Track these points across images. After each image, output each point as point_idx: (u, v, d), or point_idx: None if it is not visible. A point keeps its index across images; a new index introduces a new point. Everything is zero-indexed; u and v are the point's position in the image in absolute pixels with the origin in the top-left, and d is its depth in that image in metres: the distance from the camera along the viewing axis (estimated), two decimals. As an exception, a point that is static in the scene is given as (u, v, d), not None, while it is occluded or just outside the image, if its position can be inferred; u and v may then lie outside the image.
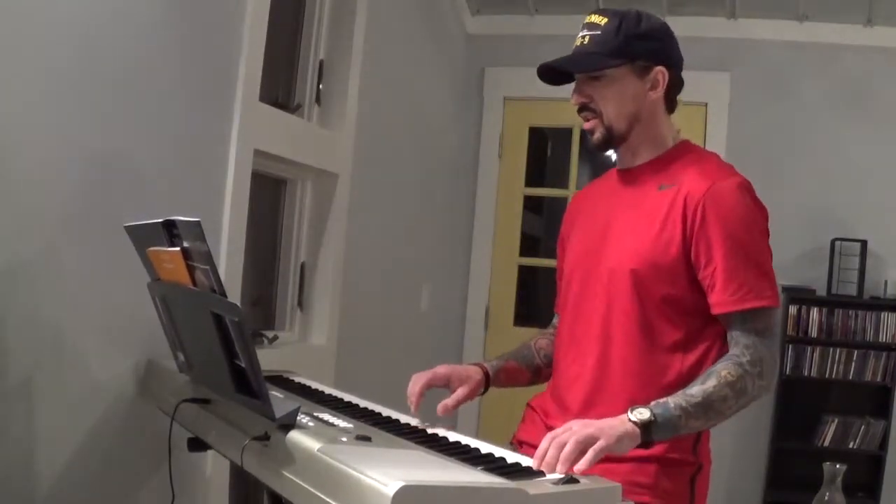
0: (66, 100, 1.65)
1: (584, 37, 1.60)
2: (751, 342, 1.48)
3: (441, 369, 1.65)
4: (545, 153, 5.04)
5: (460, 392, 1.64)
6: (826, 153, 3.88)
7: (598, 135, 1.62)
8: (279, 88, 2.75)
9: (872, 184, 3.82)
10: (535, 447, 1.30)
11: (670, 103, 1.65)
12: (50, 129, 1.61)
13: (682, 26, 3.78)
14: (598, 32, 1.57)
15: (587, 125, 1.63)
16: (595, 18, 1.60)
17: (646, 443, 1.35)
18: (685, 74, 1.66)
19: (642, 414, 1.35)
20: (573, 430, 1.27)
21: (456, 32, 4.14)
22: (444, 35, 3.98)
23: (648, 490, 1.51)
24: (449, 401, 1.61)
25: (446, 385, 1.66)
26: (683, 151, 1.64)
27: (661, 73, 1.59)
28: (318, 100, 2.87)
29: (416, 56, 3.58)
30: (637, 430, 1.33)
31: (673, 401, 1.39)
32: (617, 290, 1.58)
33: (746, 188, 1.55)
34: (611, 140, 1.62)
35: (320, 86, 2.87)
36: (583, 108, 1.62)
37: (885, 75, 3.84)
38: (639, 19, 1.58)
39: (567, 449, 1.23)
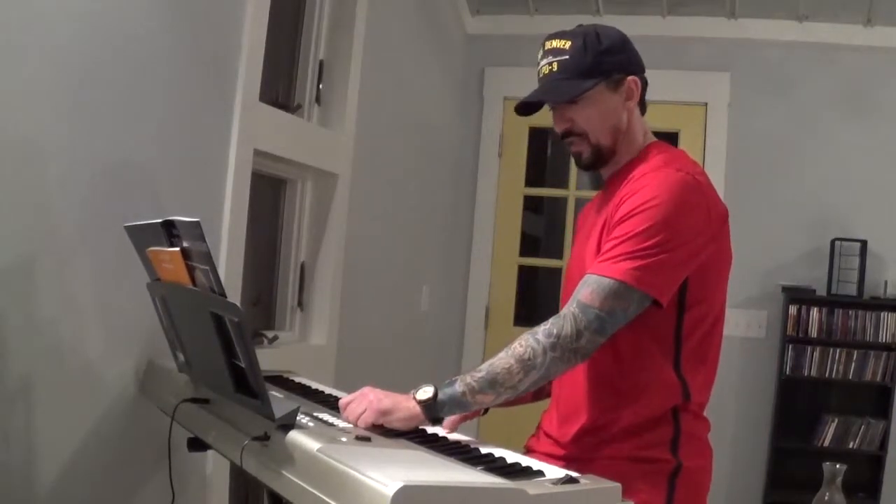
0: (66, 100, 1.65)
1: (550, 63, 1.58)
2: (566, 312, 1.45)
3: None
4: (545, 153, 5.03)
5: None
6: (826, 153, 3.88)
7: (587, 156, 1.61)
8: (279, 88, 2.75)
9: (872, 184, 3.83)
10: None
11: (642, 106, 1.65)
12: (50, 130, 1.61)
13: (682, 26, 3.83)
14: (566, 57, 1.56)
15: (574, 149, 1.62)
16: (556, 43, 1.58)
17: (434, 419, 1.42)
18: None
19: (426, 393, 1.42)
20: (370, 399, 1.39)
21: (456, 32, 4.14)
22: (443, 35, 3.98)
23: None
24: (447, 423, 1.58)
25: None
26: (646, 154, 1.61)
27: (633, 82, 1.60)
28: (318, 100, 2.87)
29: (416, 56, 3.58)
30: (419, 409, 1.40)
31: (462, 377, 1.44)
32: None
33: (669, 181, 1.48)
34: (601, 157, 1.61)
35: (320, 86, 2.87)
36: (567, 134, 1.62)
37: (885, 75, 3.84)
38: (598, 35, 1.57)
39: (365, 416, 1.37)
